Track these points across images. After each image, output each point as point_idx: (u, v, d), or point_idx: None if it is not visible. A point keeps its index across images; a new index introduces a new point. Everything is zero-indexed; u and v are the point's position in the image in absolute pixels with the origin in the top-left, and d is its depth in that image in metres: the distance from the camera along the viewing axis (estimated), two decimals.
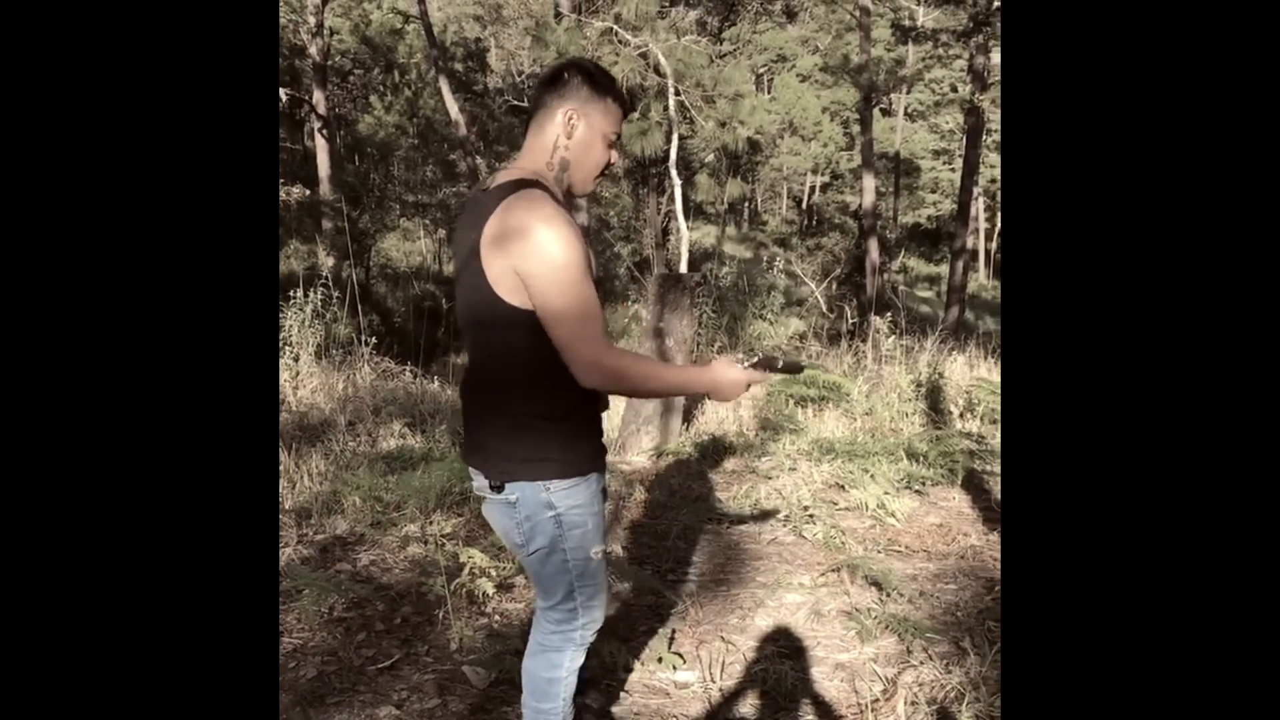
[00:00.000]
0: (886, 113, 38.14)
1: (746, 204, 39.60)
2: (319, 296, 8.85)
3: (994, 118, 31.49)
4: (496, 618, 3.18)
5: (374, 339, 8.68)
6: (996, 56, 23.33)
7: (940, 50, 26.50)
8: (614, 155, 1.94)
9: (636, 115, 9.86)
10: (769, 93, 33.56)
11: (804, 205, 40.51)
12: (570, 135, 1.87)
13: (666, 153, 10.40)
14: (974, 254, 33.55)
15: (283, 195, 22.64)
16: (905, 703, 2.58)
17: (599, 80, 1.88)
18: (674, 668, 2.91)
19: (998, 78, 23.42)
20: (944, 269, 34.06)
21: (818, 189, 39.36)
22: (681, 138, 10.39)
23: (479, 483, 1.95)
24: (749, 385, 1.99)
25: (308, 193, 24.44)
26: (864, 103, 23.68)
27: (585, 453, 1.93)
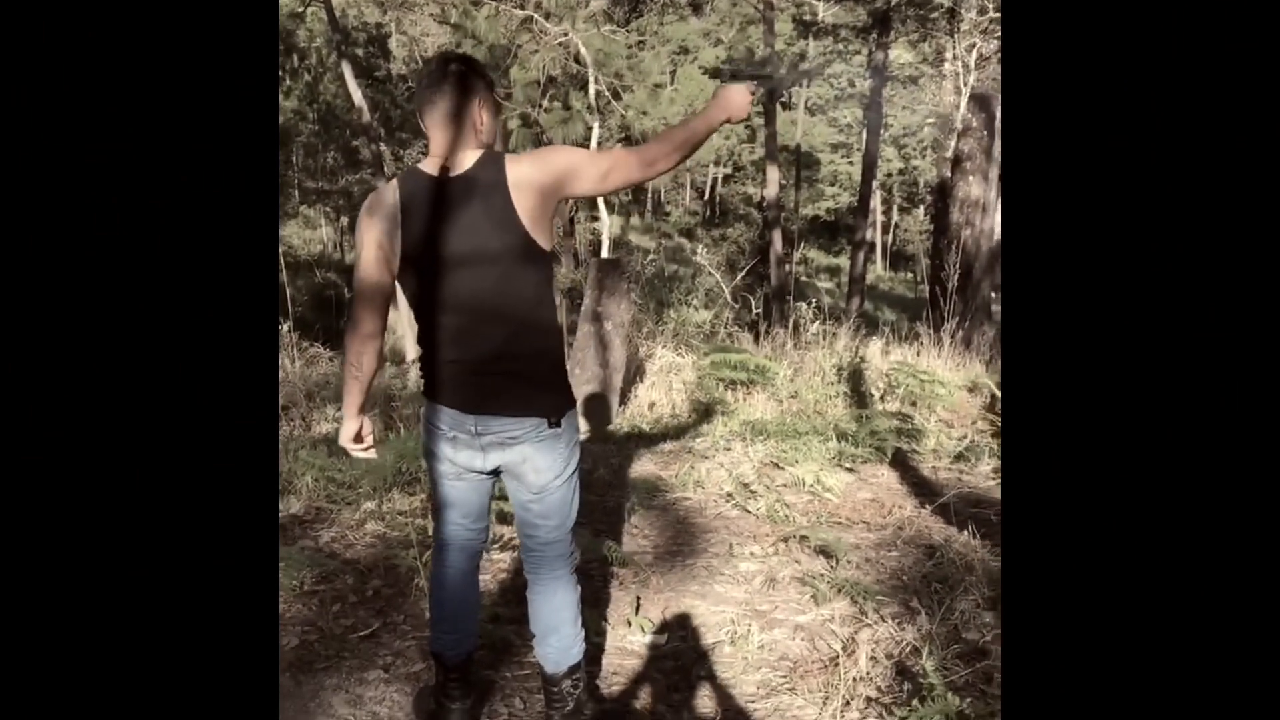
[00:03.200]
0: (787, 106, 38.75)
1: (649, 195, 39.81)
2: None
3: (891, 113, 32.19)
4: (484, 582, 3.27)
5: (289, 325, 8.60)
6: (895, 52, 23.95)
7: (840, 45, 27.06)
8: None
9: (558, 104, 9.93)
10: (673, 84, 33.86)
11: (706, 196, 40.90)
12: (483, 120, 2.16)
13: (585, 142, 10.50)
14: (872, 246, 34.33)
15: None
16: (867, 657, 2.77)
17: (481, 70, 2.21)
18: (644, 630, 3.05)
19: (892, 73, 24.01)
20: (843, 260, 34.84)
21: (720, 180, 39.80)
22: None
23: (520, 430, 2.16)
24: (752, 95, 2.23)
25: None
26: (768, 96, 24.07)
27: None
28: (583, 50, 9.97)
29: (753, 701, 2.64)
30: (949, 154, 9.89)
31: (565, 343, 2.26)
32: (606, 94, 10.14)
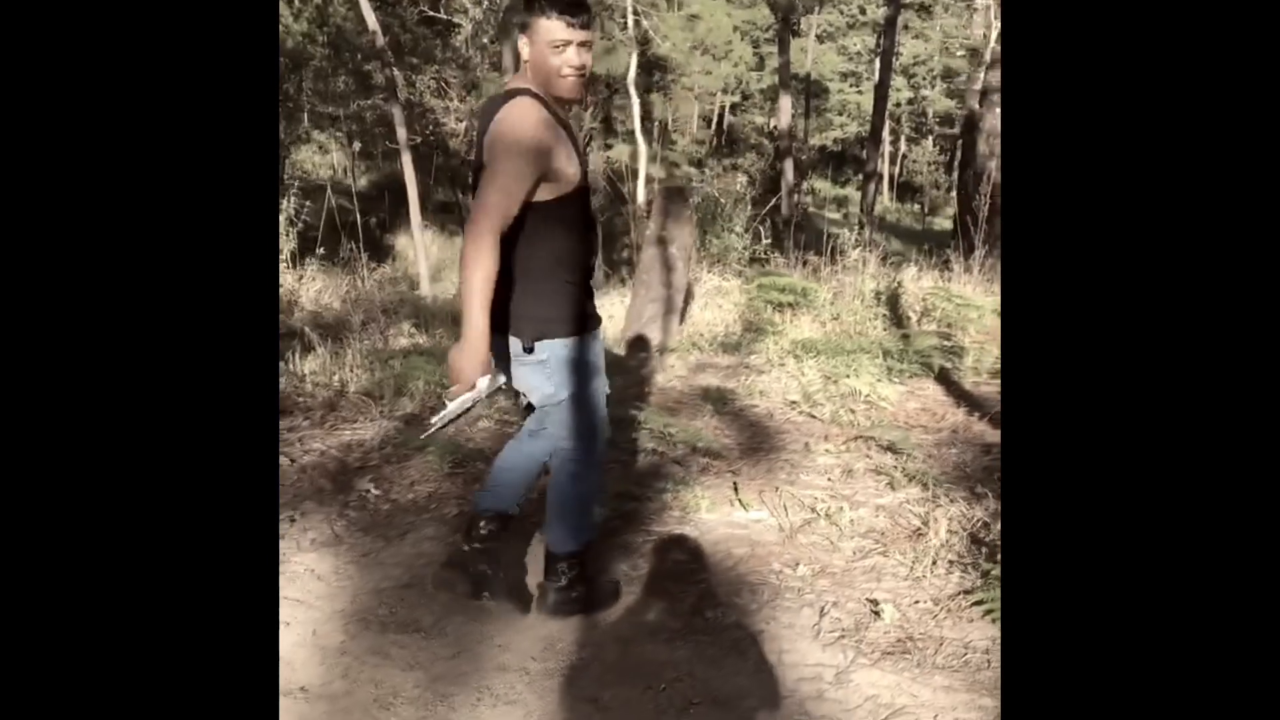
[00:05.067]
0: (797, 34, 38.59)
1: (655, 123, 39.78)
2: (292, 205, 9.16)
3: (900, 41, 32.02)
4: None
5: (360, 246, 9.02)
6: None
7: None
8: (571, 58, 2.32)
9: (600, 35, 10.20)
10: (679, 9, 33.73)
11: (712, 125, 40.86)
12: (527, 55, 2.33)
13: (625, 72, 10.77)
14: (880, 177, 34.52)
15: None
16: (946, 530, 3.25)
17: (534, 4, 2.29)
18: (746, 508, 3.53)
19: (906, 0, 23.95)
20: (849, 190, 35.02)
21: (728, 110, 39.74)
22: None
23: (506, 348, 2.45)
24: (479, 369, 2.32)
25: None
26: (782, 24, 24.09)
27: (583, 313, 2.51)
28: None
29: (852, 561, 3.13)
30: (978, 86, 10.20)
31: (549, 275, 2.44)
32: (645, 25, 10.40)
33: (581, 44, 2.31)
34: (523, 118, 2.28)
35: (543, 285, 2.42)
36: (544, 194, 2.33)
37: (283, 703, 2.31)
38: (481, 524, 2.72)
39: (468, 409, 2.39)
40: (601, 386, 2.63)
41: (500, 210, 2.25)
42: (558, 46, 2.29)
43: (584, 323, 2.52)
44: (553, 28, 2.28)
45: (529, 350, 2.44)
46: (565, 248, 2.44)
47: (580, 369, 2.52)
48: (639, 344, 5.95)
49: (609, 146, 26.33)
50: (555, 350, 2.46)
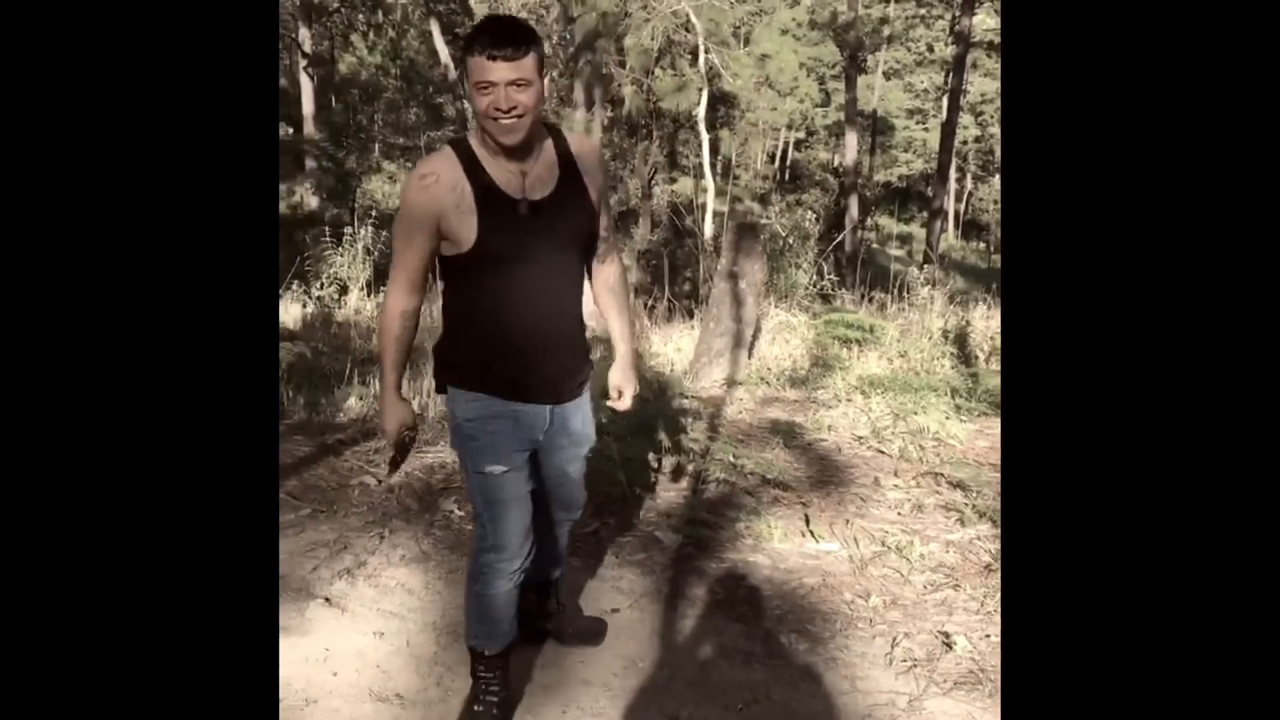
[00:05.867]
0: (863, 71, 38.67)
1: (720, 158, 39.98)
2: (369, 233, 9.44)
3: (968, 79, 31.94)
4: (675, 495, 3.86)
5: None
6: (978, 17, 23.95)
7: (924, 10, 26.98)
8: (497, 100, 2.00)
9: (671, 71, 10.39)
10: (744, 46, 34.01)
11: (776, 161, 41.02)
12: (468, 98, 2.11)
13: (694, 106, 10.95)
14: (945, 214, 34.36)
15: None
16: None
17: (466, 43, 2.06)
18: (817, 539, 3.61)
19: (977, 37, 23.98)
20: (913, 228, 34.93)
21: (791, 145, 39.87)
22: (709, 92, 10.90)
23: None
24: (397, 437, 2.29)
25: (290, 131, 24.54)
26: (850, 60, 24.25)
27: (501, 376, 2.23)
28: (693, 19, 10.39)
29: (923, 594, 3.19)
30: None
31: (466, 323, 2.26)
32: (715, 63, 10.55)
33: (513, 83, 1.99)
34: (412, 174, 2.13)
35: (453, 335, 2.26)
36: (446, 249, 2.15)
37: (379, 708, 2.44)
38: (530, 594, 2.65)
39: (403, 456, 2.38)
40: (513, 474, 2.27)
41: (400, 263, 2.18)
42: (483, 87, 2.00)
43: (495, 385, 2.23)
44: (478, 66, 2.00)
45: (441, 391, 2.32)
46: (482, 303, 2.19)
47: (483, 439, 2.23)
48: (704, 377, 6.06)
49: (673, 180, 26.59)
50: (457, 399, 2.26)
